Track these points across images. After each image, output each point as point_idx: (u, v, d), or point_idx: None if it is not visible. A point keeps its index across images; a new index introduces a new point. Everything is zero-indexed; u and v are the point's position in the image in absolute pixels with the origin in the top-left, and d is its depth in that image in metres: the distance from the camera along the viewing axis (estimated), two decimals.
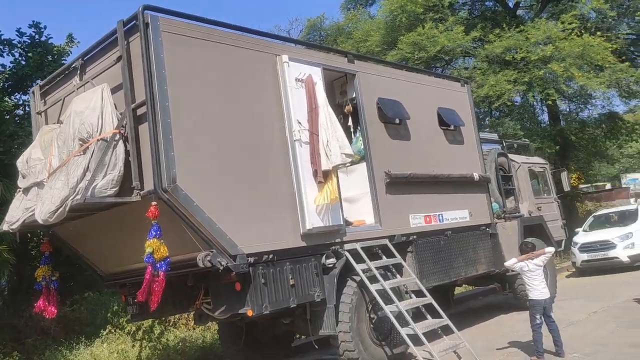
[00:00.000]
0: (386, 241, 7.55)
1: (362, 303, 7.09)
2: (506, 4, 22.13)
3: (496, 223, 9.86)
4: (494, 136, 12.26)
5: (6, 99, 12.69)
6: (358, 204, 7.87)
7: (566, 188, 12.96)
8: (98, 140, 5.47)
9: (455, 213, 8.95)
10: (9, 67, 12.98)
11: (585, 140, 22.56)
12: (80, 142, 5.57)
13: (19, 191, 6.44)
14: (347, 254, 7.03)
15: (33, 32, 13.13)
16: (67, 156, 5.69)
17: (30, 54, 13.14)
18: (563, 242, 12.42)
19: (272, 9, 59.51)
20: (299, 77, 6.86)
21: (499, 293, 12.70)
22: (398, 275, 7.53)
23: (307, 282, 6.57)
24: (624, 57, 18.82)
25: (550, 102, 18.57)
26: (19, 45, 13.14)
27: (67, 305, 12.49)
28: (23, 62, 13.06)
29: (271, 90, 6.62)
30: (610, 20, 19.14)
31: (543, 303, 6.95)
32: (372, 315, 7.21)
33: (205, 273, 6.20)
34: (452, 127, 9.33)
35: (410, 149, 8.40)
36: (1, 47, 13.10)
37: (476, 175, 9.38)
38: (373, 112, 7.93)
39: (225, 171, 5.97)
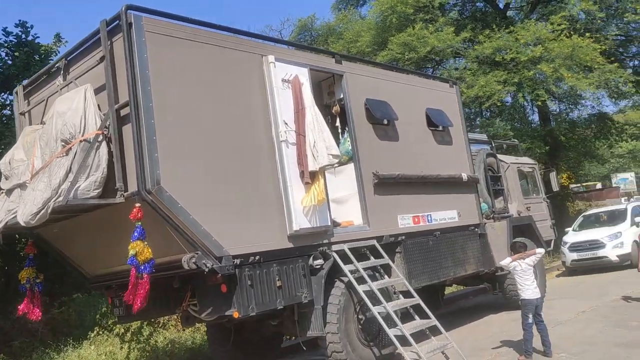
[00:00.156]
0: (374, 242, 7.53)
1: (350, 304, 7.06)
2: (496, 5, 22.21)
3: (485, 223, 9.87)
4: (483, 136, 12.29)
5: None
6: (346, 204, 7.84)
7: (555, 188, 13.01)
8: (81, 141, 5.41)
9: (444, 213, 8.94)
10: None
11: (574, 141, 22.68)
12: (63, 143, 5.51)
13: (2, 193, 6.36)
14: (334, 255, 7.00)
15: (20, 31, 12.97)
16: (49, 157, 5.63)
17: (17, 54, 13.01)
18: (552, 242, 12.45)
19: (264, 9, 59.48)
20: (286, 78, 6.82)
21: (489, 293, 12.69)
22: (386, 276, 7.51)
23: (294, 283, 6.54)
24: (612, 58, 18.93)
25: (540, 103, 18.64)
26: (6, 44, 13.00)
27: (56, 307, 12.40)
28: (10, 62, 12.93)
29: (257, 91, 6.58)
30: (599, 21, 19.26)
31: (535, 302, 6.96)
32: (360, 316, 7.19)
33: (192, 275, 6.16)
34: (440, 128, 9.32)
35: (399, 150, 8.38)
36: None
37: (465, 176, 9.38)
38: (361, 112, 7.90)
39: (211, 172, 5.92)
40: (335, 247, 7.05)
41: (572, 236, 15.94)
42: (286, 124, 6.65)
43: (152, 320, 10.06)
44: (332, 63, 7.81)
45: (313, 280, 6.78)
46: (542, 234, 11.62)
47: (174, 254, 5.81)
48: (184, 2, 62.28)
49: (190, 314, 6.83)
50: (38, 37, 13.29)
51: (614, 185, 38.79)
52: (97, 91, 5.83)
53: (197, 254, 5.65)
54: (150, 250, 5.40)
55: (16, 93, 7.19)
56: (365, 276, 6.94)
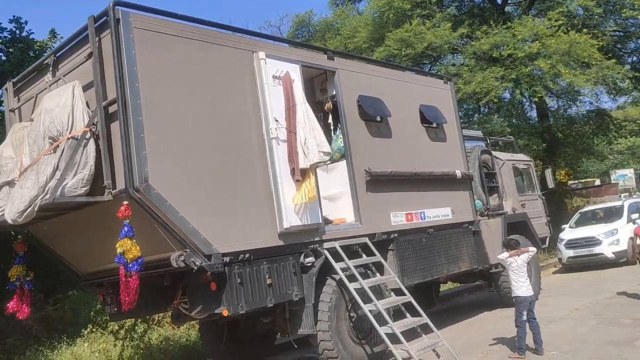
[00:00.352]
0: (366, 239, 7.51)
1: (341, 302, 7.04)
2: (494, 1, 22.12)
3: (479, 220, 9.84)
4: (478, 133, 12.25)
5: None
6: (338, 202, 7.82)
7: (550, 185, 12.98)
8: (68, 138, 5.38)
9: (438, 211, 8.91)
10: None
11: (572, 137, 22.63)
12: (51, 141, 5.49)
13: None
14: (326, 252, 6.98)
15: (14, 27, 12.95)
16: (37, 155, 5.60)
17: (11, 50, 12.97)
18: (547, 239, 12.43)
19: (263, 6, 59.34)
20: (277, 74, 6.78)
21: (484, 290, 12.70)
22: (378, 274, 7.49)
23: (285, 281, 6.52)
24: (610, 54, 18.85)
25: (537, 99, 18.59)
26: (0, 40, 12.96)
27: (51, 304, 12.37)
28: (4, 58, 12.89)
29: (248, 87, 6.54)
30: (596, 17, 19.18)
31: (529, 300, 6.95)
32: (351, 314, 7.17)
33: (183, 273, 6.13)
34: (434, 125, 9.28)
35: (392, 147, 8.35)
36: None
37: (459, 173, 9.34)
38: (353, 109, 7.86)
39: (200, 170, 5.89)
40: (326, 245, 7.03)
41: (569, 233, 15.92)
42: (277, 120, 6.61)
43: (147, 317, 10.07)
44: (324, 59, 7.77)
45: (304, 278, 6.77)
46: (537, 231, 11.60)
47: (164, 252, 5.79)
48: (183, 0, 62.11)
49: (181, 312, 6.80)
50: (32, 33, 13.29)
51: (612, 181, 38.78)
52: (86, 88, 5.80)
53: (185, 252, 5.62)
54: (138, 248, 5.37)
55: (6, 90, 7.15)
56: (357, 274, 6.91)
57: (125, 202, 5.30)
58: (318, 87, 8.33)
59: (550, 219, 15.18)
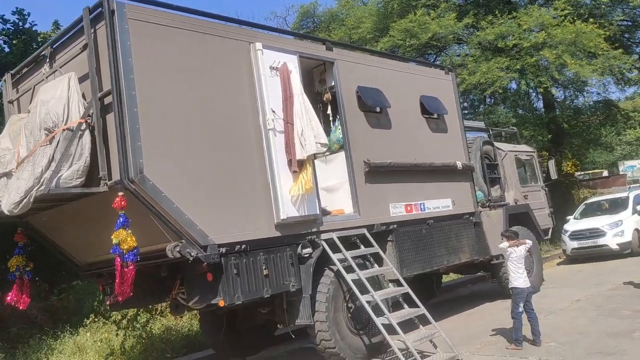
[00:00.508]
0: (364, 230, 7.50)
1: (339, 293, 7.05)
2: None
3: (480, 212, 9.81)
4: (480, 124, 12.18)
5: None
6: (337, 193, 7.81)
7: (553, 176, 12.90)
8: (64, 130, 5.40)
9: (438, 202, 8.89)
10: None
11: (579, 128, 22.45)
12: (46, 132, 5.51)
13: None
14: (324, 243, 6.98)
15: (17, 19, 12.99)
16: (34, 146, 5.62)
17: (14, 42, 13.01)
18: (550, 230, 12.37)
19: None
20: (274, 65, 6.76)
21: (488, 281, 12.67)
22: (376, 265, 7.49)
23: (282, 272, 6.53)
24: (617, 44, 18.64)
25: (542, 90, 18.44)
26: (3, 32, 13.01)
27: (55, 294, 12.49)
28: (7, 50, 12.93)
29: (244, 78, 6.53)
30: (603, 6, 18.95)
31: (526, 291, 6.94)
32: (349, 305, 7.18)
33: (180, 263, 6.16)
34: (435, 116, 9.23)
35: (391, 138, 8.32)
36: None
37: (459, 164, 9.30)
38: (352, 100, 7.83)
39: (196, 161, 5.89)
40: (324, 236, 7.03)
41: (573, 224, 15.84)
42: (274, 112, 6.60)
43: (150, 307, 10.14)
44: (322, 50, 7.74)
45: (302, 269, 6.78)
46: (540, 222, 11.56)
47: (160, 243, 5.81)
48: None
49: (179, 302, 6.83)
50: (36, 24, 13.33)
51: (621, 172, 38.52)
52: (82, 79, 5.80)
53: (181, 242, 5.65)
54: (134, 238, 5.40)
55: (4, 81, 7.18)
56: (354, 265, 6.92)
57: (120, 193, 5.32)
58: (317, 78, 8.30)
59: (556, 210, 15.10)
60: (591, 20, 17.75)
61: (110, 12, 5.44)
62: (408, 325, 7.10)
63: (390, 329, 6.66)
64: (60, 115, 5.45)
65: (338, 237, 7.10)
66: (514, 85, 21.07)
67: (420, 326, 7.13)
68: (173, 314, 8.40)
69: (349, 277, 6.85)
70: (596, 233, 14.87)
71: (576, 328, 7.47)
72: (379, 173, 7.87)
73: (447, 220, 9.00)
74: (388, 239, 8.00)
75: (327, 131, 7.98)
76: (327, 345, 6.87)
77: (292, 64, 6.95)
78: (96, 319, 10.17)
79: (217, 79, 6.26)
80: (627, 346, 6.29)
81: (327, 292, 6.89)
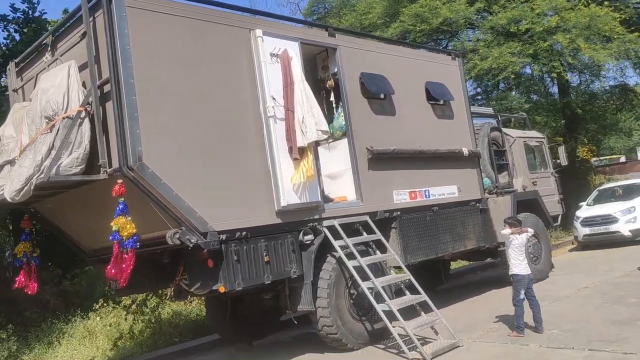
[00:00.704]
0: (367, 217, 7.49)
1: (341, 279, 7.09)
2: None
3: (487, 198, 9.74)
4: (489, 110, 12.05)
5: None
6: (340, 180, 7.81)
7: (564, 163, 12.74)
8: (63, 118, 5.45)
9: (443, 189, 8.85)
10: (4, 43, 13.01)
11: (594, 113, 22.07)
12: (47, 120, 5.57)
13: None
14: (325, 230, 7.01)
15: (26, 7, 13.09)
16: (35, 134, 5.69)
17: (25, 30, 13.13)
18: (559, 217, 12.25)
19: None
20: (274, 52, 6.75)
21: (498, 267, 12.59)
22: (378, 252, 7.49)
23: (283, 258, 6.58)
24: (633, 28, 18.23)
25: (555, 75, 18.15)
26: (13, 21, 13.13)
27: (68, 279, 12.71)
28: (18, 38, 13.06)
29: (244, 65, 6.53)
30: None
31: (527, 278, 6.90)
32: (351, 291, 7.22)
33: (181, 250, 6.22)
34: (441, 102, 9.16)
35: (396, 125, 8.28)
36: None
37: (465, 151, 9.23)
38: (355, 87, 7.80)
39: (196, 148, 5.93)
40: (326, 223, 7.05)
41: (585, 211, 15.65)
42: (274, 99, 6.60)
43: (160, 291, 10.25)
44: (325, 36, 7.69)
45: (303, 256, 6.82)
46: (549, 209, 11.44)
47: (161, 230, 5.87)
48: None
49: (182, 288, 6.94)
50: (45, 12, 13.44)
51: (639, 158, 37.93)
52: (82, 67, 5.84)
53: (181, 229, 5.70)
54: (133, 225, 5.46)
55: (9, 70, 7.26)
56: (355, 251, 6.93)
57: (119, 181, 5.37)
58: (320, 65, 8.25)
59: (571, 196, 14.92)
60: (606, 3, 17.35)
61: (108, 0, 5.46)
62: (410, 312, 7.12)
63: (391, 315, 6.68)
64: (60, 104, 5.51)
65: (340, 224, 7.11)
66: (528, 70, 20.77)
67: (422, 313, 7.13)
68: (176, 299, 8.52)
69: (350, 264, 6.88)
70: (608, 219, 14.66)
71: (580, 315, 7.41)
72: (382, 160, 7.85)
73: (452, 207, 8.96)
74: (392, 225, 8.00)
75: (330, 118, 7.97)
76: (329, 331, 6.92)
77: (293, 50, 6.92)
78: (105, 304, 10.32)
79: (217, 67, 6.26)
80: (630, 334, 6.24)
81: (329, 278, 6.93)
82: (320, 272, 6.95)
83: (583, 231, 15.12)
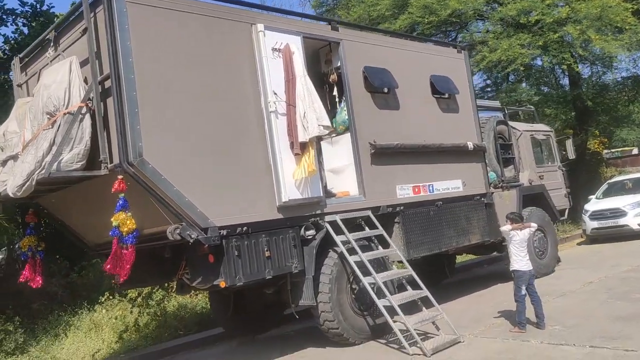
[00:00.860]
0: (369, 213, 7.48)
1: (343, 274, 7.09)
2: None
3: (492, 193, 9.68)
4: (495, 103, 11.95)
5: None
6: (343, 175, 7.80)
7: (571, 156, 12.62)
8: (65, 114, 5.48)
9: (447, 183, 8.80)
10: (12, 37, 13.09)
11: (605, 105, 21.82)
12: (48, 116, 5.60)
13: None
14: (327, 225, 7.01)
15: (34, 1, 13.14)
16: (37, 129, 5.73)
17: (33, 24, 13.20)
18: (566, 211, 12.16)
19: None
20: (276, 47, 6.73)
21: (503, 262, 12.55)
22: (380, 247, 7.48)
23: (284, 253, 6.59)
24: None
25: (565, 67, 17.95)
26: (21, 14, 13.20)
27: (76, 271, 12.83)
28: (26, 32, 13.14)
29: (246, 60, 6.51)
30: None
31: (528, 274, 6.87)
32: (353, 286, 7.23)
33: (183, 245, 6.26)
34: (446, 96, 9.09)
35: (399, 119, 8.23)
36: (4, 17, 13.18)
37: (470, 145, 9.17)
38: (359, 81, 7.76)
39: (197, 144, 5.94)
40: (328, 218, 7.06)
41: (594, 204, 15.53)
42: (276, 94, 6.59)
43: (166, 284, 10.32)
44: (327, 30, 7.65)
45: (305, 251, 6.83)
46: (556, 203, 11.36)
47: (163, 225, 5.90)
48: None
49: (184, 282, 6.98)
50: (53, 6, 13.48)
51: None
52: (84, 63, 5.85)
53: (181, 225, 5.72)
54: (133, 221, 5.49)
55: (13, 65, 7.30)
56: (356, 246, 6.93)
57: (119, 177, 5.40)
58: (323, 59, 8.22)
59: (582, 189, 14.73)
60: None
61: None
62: (413, 307, 7.12)
63: (392, 310, 6.68)
64: (61, 99, 5.53)
65: (342, 219, 7.12)
66: (539, 62, 20.55)
67: (424, 308, 7.13)
68: (179, 293, 8.58)
69: (351, 259, 6.88)
70: (617, 213, 14.54)
71: (584, 311, 7.37)
72: (385, 155, 7.82)
73: (457, 201, 8.91)
74: (395, 220, 7.98)
75: (333, 112, 7.95)
76: (330, 326, 6.94)
77: (295, 45, 6.89)
78: (111, 297, 10.42)
79: (218, 62, 6.26)
80: (633, 330, 6.19)
81: (331, 273, 6.94)
82: (322, 267, 6.96)
83: (591, 225, 15.02)
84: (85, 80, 5.79)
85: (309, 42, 7.38)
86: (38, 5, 13.25)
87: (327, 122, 6.69)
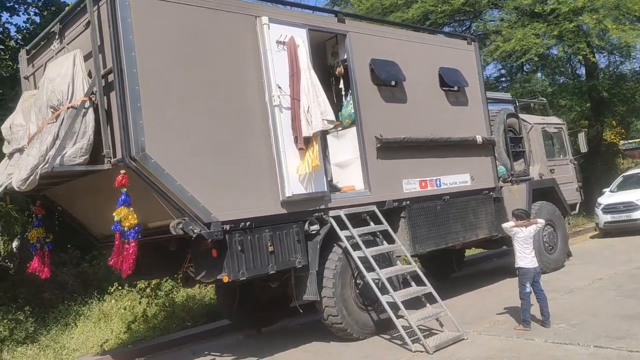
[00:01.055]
0: (374, 207, 7.44)
1: (347, 269, 7.07)
2: None
3: (501, 187, 9.57)
4: (506, 96, 11.78)
5: None
6: (349, 169, 7.75)
7: (584, 149, 12.44)
8: (68, 107, 5.49)
9: (455, 177, 8.72)
10: (24, 27, 13.16)
11: (622, 96, 21.45)
12: (52, 110, 5.61)
13: (5, 157, 6.58)
14: (331, 220, 6.98)
15: None
16: (41, 123, 5.75)
17: (45, 13, 13.26)
18: (577, 205, 12.01)
19: None
20: (281, 40, 6.67)
21: (510, 256, 12.44)
22: (385, 242, 7.44)
23: (288, 248, 6.57)
24: None
25: (581, 57, 17.65)
26: (33, 3, 13.25)
27: (87, 261, 12.95)
28: (37, 22, 13.20)
29: (250, 53, 6.47)
30: None
31: (533, 272, 6.80)
32: (357, 281, 7.21)
33: (189, 238, 6.26)
34: (455, 88, 8.97)
35: (407, 112, 8.15)
36: (16, 6, 13.25)
37: (479, 138, 9.05)
38: (365, 74, 7.68)
39: (200, 138, 5.93)
40: (332, 213, 7.03)
41: (607, 198, 15.33)
42: (280, 88, 6.54)
43: (175, 275, 10.37)
44: (334, 22, 7.57)
45: (309, 246, 6.80)
46: (567, 197, 11.23)
47: (167, 219, 5.91)
48: None
49: (189, 276, 7.02)
50: None
51: None
52: (88, 57, 5.84)
53: (184, 219, 5.73)
54: (135, 216, 5.51)
55: (20, 57, 7.32)
56: (360, 242, 6.90)
57: (122, 171, 5.41)
58: (329, 51, 8.14)
59: (597, 181, 14.50)
60: None
61: None
62: (417, 303, 7.08)
63: (395, 307, 6.65)
64: (64, 93, 5.54)
65: (347, 214, 7.08)
66: (555, 52, 20.22)
67: (427, 304, 7.09)
68: (184, 286, 8.62)
69: (355, 255, 6.86)
70: (630, 207, 14.34)
71: (591, 309, 7.28)
72: (392, 149, 7.75)
73: (464, 196, 8.83)
74: (401, 215, 7.93)
75: (339, 106, 7.89)
76: (334, 321, 6.94)
77: (300, 37, 6.83)
78: (121, 287, 10.50)
79: (221, 55, 6.22)
80: (639, 330, 6.11)
81: (335, 268, 6.92)
82: (326, 262, 6.94)
83: (604, 218, 14.85)
84: (89, 74, 5.80)
85: (315, 35, 7.31)
86: None
87: (332, 117, 6.63)
